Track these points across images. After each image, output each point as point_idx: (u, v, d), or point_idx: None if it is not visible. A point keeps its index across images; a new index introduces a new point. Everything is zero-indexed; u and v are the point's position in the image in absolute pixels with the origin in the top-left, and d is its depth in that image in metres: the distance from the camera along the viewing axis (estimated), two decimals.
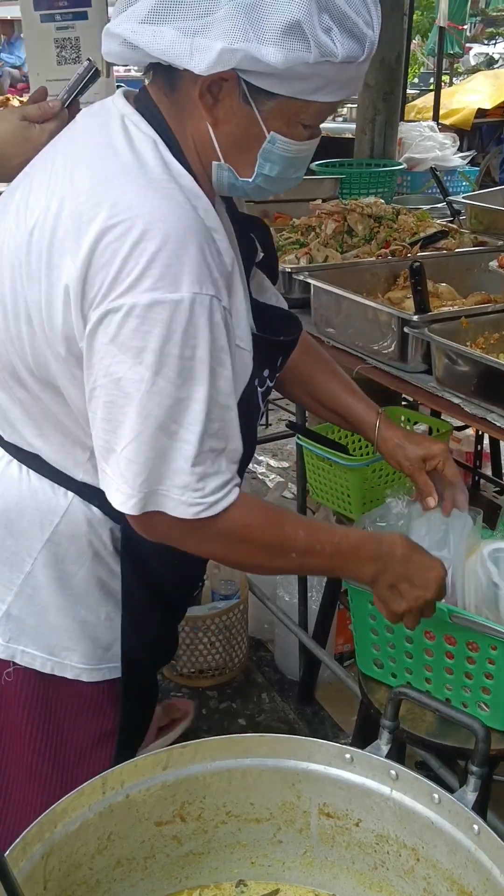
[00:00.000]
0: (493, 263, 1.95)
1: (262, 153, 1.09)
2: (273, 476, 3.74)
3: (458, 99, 7.79)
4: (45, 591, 1.28)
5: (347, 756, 1.13)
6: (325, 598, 2.29)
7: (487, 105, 7.97)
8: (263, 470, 3.81)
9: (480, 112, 7.93)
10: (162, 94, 1.10)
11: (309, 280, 1.86)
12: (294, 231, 2.21)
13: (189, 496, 1.07)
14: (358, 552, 1.21)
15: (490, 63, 13.60)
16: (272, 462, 3.88)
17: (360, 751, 1.13)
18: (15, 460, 1.26)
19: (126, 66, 1.26)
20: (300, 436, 2.14)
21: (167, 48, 0.99)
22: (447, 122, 6.74)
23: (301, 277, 1.90)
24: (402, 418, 2.30)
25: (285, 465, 3.86)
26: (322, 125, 1.16)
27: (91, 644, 1.31)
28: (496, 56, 14.06)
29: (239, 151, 1.09)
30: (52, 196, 1.07)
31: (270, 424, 4.15)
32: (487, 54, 14.36)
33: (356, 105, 7.18)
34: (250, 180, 1.12)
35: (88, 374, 1.07)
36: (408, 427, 2.32)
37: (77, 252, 1.02)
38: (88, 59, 1.35)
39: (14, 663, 1.29)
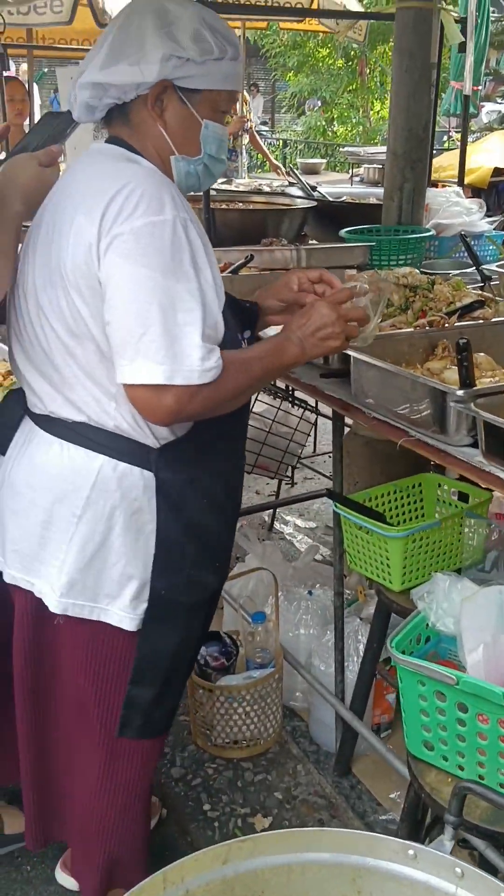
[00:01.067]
0: None
1: (202, 137, 1.52)
2: (301, 536, 3.71)
3: (473, 158, 7.90)
4: (90, 546, 1.51)
5: (410, 852, 1.10)
6: (363, 667, 2.25)
7: (503, 164, 8.12)
8: (291, 530, 3.79)
9: (497, 171, 8.07)
10: (120, 127, 1.53)
11: (349, 351, 1.87)
12: None
13: (204, 364, 1.38)
14: (280, 345, 1.56)
15: (502, 120, 13.83)
16: (299, 522, 3.86)
17: (423, 847, 1.10)
18: (56, 439, 1.52)
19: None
20: (337, 504, 2.14)
21: (124, 76, 1.44)
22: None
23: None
24: (441, 486, 2.30)
25: (312, 525, 3.84)
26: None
27: (130, 592, 1.54)
28: None
29: (186, 141, 1.51)
30: (68, 206, 1.44)
31: (297, 483, 4.14)
32: (500, 112, 14.59)
33: (382, 167, 7.29)
34: (200, 156, 1.53)
35: (104, 291, 1.38)
36: (443, 494, 2.31)
37: (94, 219, 1.38)
38: (69, 111, 1.60)
39: (66, 616, 1.54)
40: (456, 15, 3.16)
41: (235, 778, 2.35)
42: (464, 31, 3.49)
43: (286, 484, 3.93)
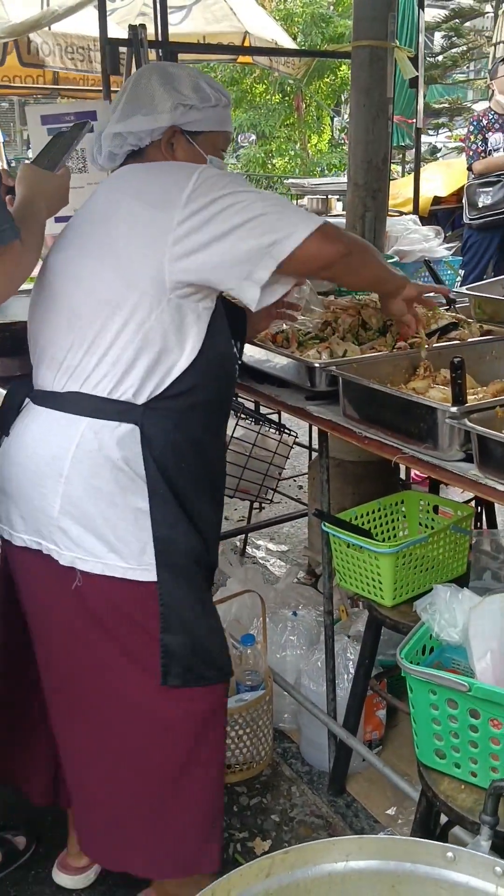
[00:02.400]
0: None
1: None
2: (273, 560, 3.74)
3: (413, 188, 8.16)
4: (82, 505, 1.61)
5: (449, 854, 1.12)
6: (356, 684, 2.28)
7: (442, 192, 8.40)
8: (263, 554, 3.81)
9: (436, 199, 8.35)
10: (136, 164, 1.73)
11: (340, 374, 1.92)
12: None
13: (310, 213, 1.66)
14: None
15: (433, 151, 14.25)
16: (271, 546, 3.89)
17: (462, 849, 1.12)
18: (45, 409, 1.65)
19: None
20: (326, 523, 2.18)
21: (141, 125, 1.69)
22: (405, 209, 7.08)
23: (332, 371, 1.96)
24: (422, 502, 2.36)
25: (283, 548, 3.87)
26: None
27: (127, 546, 1.62)
28: (439, 145, 14.75)
29: None
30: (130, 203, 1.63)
31: (264, 507, 4.17)
32: (431, 143, 15.05)
33: (326, 198, 7.44)
34: None
35: (207, 240, 1.56)
36: (424, 510, 2.37)
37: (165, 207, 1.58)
38: (75, 124, 1.84)
39: (78, 570, 1.62)
40: (409, 52, 3.29)
41: (231, 802, 2.35)
42: (414, 67, 3.63)
43: (256, 508, 3.95)
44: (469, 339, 2.24)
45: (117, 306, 1.58)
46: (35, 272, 1.69)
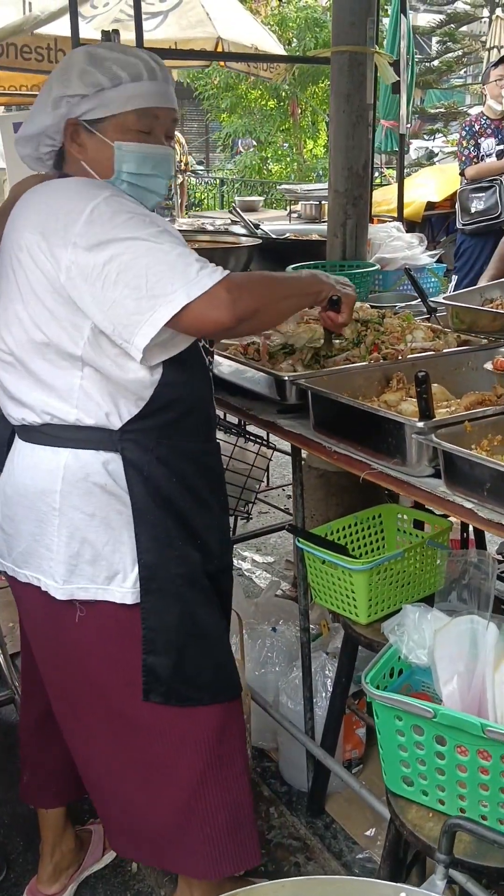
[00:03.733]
0: (489, 365, 1.99)
1: (116, 158, 1.60)
2: (259, 572, 3.69)
3: (407, 193, 8.12)
4: (77, 535, 1.60)
5: (403, 895, 1.08)
6: (332, 703, 2.23)
7: (435, 198, 8.38)
8: (249, 566, 3.76)
9: (429, 205, 8.33)
10: (64, 168, 1.67)
11: (309, 387, 1.88)
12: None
13: (207, 270, 1.44)
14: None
15: (430, 156, 14.22)
16: (257, 557, 3.84)
17: (415, 889, 1.08)
18: (28, 444, 1.63)
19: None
20: (300, 539, 2.13)
21: (37, 125, 1.62)
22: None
23: (301, 384, 1.92)
24: (401, 515, 2.31)
25: (270, 559, 3.82)
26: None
27: (123, 569, 1.62)
28: (435, 150, 14.73)
29: (102, 166, 1.61)
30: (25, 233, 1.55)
31: (252, 518, 4.13)
32: (427, 148, 15.03)
33: (319, 203, 7.40)
34: (114, 177, 1.61)
35: (91, 286, 1.46)
36: (403, 524, 2.32)
37: (51, 240, 1.50)
38: None
39: (76, 602, 1.62)
40: (388, 58, 3.25)
41: None
42: (396, 72, 3.59)
43: (241, 519, 3.91)
44: (445, 350, 2.19)
45: (50, 346, 1.53)
46: None
